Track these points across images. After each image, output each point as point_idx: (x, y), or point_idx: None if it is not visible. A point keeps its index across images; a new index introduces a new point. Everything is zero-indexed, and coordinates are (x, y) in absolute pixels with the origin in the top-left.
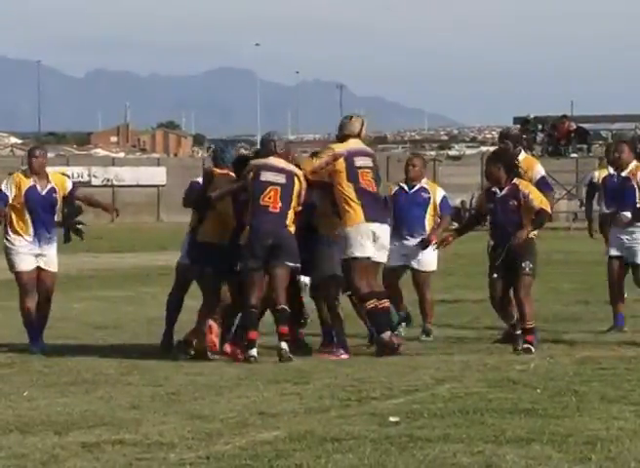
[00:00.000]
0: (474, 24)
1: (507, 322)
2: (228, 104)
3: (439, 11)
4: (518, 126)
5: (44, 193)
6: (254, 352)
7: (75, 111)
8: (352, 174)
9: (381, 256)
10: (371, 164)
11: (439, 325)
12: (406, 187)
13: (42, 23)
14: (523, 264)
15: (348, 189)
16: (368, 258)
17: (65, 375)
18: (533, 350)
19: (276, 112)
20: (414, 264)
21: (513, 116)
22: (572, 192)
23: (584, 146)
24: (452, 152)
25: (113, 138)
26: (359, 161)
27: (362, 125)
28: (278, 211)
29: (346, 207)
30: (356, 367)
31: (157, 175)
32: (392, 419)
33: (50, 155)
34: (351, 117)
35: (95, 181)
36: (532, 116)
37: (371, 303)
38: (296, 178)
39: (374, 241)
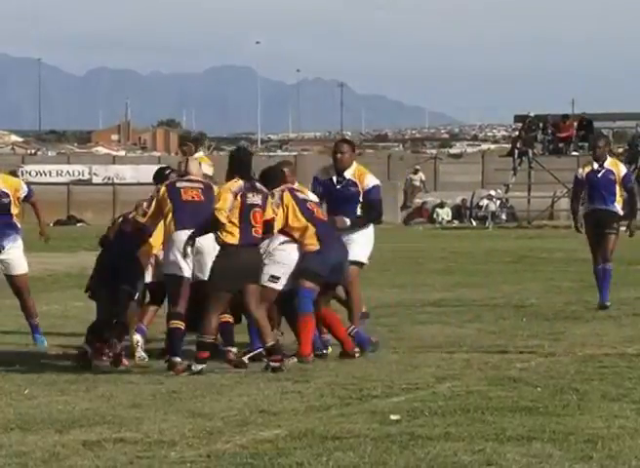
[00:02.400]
0: (476, 23)
1: None
2: (229, 102)
3: (440, 9)
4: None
5: None
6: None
7: (76, 109)
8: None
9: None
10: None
11: (440, 323)
12: (335, 179)
13: (43, 21)
14: None
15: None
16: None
17: (66, 374)
18: None
19: (277, 110)
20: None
21: (514, 114)
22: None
23: (585, 145)
24: (453, 150)
25: (114, 137)
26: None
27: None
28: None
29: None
30: (357, 365)
31: None
32: (393, 417)
33: (51, 153)
34: None
35: (95, 180)
36: (532, 114)
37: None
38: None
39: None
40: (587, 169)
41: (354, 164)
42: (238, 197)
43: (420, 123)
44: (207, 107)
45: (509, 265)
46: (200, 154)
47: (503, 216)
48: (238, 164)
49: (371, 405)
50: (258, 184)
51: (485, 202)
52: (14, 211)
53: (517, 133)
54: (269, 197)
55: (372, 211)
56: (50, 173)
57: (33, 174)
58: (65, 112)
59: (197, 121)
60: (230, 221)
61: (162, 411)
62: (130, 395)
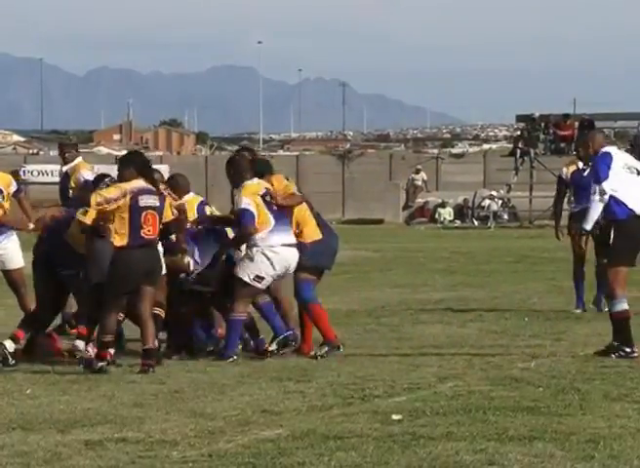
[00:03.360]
0: (477, 22)
1: None
2: (231, 102)
3: (441, 8)
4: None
5: None
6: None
7: (78, 109)
8: None
9: None
10: None
11: (442, 322)
12: None
13: (44, 21)
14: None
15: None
16: None
17: (68, 373)
18: None
19: (279, 110)
20: None
21: (516, 114)
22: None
23: None
24: (454, 150)
25: (116, 136)
26: None
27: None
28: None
29: None
30: (359, 365)
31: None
32: (395, 417)
33: (53, 153)
34: None
35: None
36: (537, 114)
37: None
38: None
39: None
40: (572, 168)
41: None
42: (127, 197)
43: (422, 123)
44: (209, 107)
45: (511, 265)
46: (79, 160)
47: (505, 216)
48: (141, 167)
49: (373, 404)
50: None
51: (487, 202)
52: (6, 206)
53: (519, 132)
54: (167, 199)
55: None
56: (52, 172)
57: (35, 173)
58: (67, 112)
59: (199, 121)
60: (120, 223)
61: (164, 411)
62: (132, 394)
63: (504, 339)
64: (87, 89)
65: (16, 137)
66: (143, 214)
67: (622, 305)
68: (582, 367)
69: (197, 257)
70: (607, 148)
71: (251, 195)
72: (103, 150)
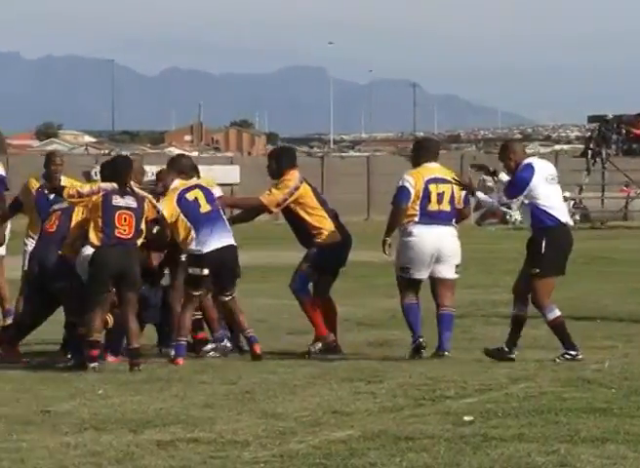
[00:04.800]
0: (549, 23)
1: None
2: (301, 103)
3: (513, 7)
4: None
5: None
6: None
7: (149, 110)
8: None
9: None
10: None
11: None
12: None
13: (115, 22)
14: None
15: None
16: None
17: (140, 374)
18: None
19: (349, 111)
20: None
21: (588, 115)
22: None
23: None
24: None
25: (187, 137)
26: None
27: None
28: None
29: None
30: (430, 365)
31: (230, 173)
32: (466, 418)
33: (124, 153)
34: None
35: None
36: (610, 115)
37: None
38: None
39: None
40: None
41: None
42: (99, 195)
43: (493, 123)
44: (279, 108)
45: (582, 266)
46: None
47: (577, 217)
48: (112, 170)
49: (444, 406)
50: (135, 189)
51: None
52: None
53: (590, 133)
54: (147, 201)
55: None
56: None
57: None
58: (138, 113)
59: (269, 121)
60: (95, 223)
61: (235, 412)
62: (203, 395)
63: (577, 340)
64: (158, 90)
65: (87, 138)
66: (117, 213)
67: (555, 311)
68: None
69: None
70: (528, 160)
71: None
72: (175, 151)
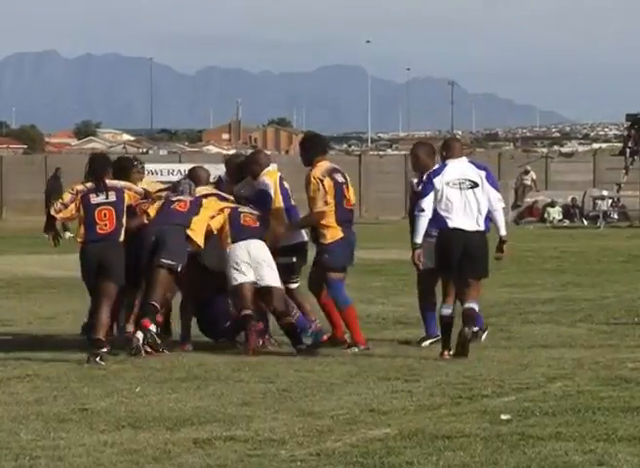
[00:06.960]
0: (587, 20)
1: None
2: (339, 101)
3: (552, 7)
4: None
5: None
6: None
7: (187, 108)
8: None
9: None
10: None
11: (551, 322)
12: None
13: (154, 21)
14: None
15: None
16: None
17: (177, 372)
18: None
19: (387, 109)
20: None
21: (625, 113)
22: None
23: None
24: (564, 149)
25: (225, 136)
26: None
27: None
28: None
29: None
30: (467, 364)
31: None
32: (503, 417)
33: (162, 152)
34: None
35: None
36: None
37: None
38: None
39: None
40: None
41: None
42: (78, 197)
43: (531, 122)
44: (317, 106)
45: (621, 265)
46: None
47: (615, 216)
48: (89, 169)
49: (481, 404)
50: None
51: (597, 202)
52: None
53: (627, 131)
54: (125, 190)
55: None
56: (161, 171)
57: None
58: (177, 111)
59: (307, 120)
60: (80, 222)
61: (272, 410)
62: (240, 393)
63: (614, 339)
64: (197, 88)
65: (125, 136)
66: (97, 210)
67: (446, 310)
68: None
69: None
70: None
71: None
72: (213, 149)
